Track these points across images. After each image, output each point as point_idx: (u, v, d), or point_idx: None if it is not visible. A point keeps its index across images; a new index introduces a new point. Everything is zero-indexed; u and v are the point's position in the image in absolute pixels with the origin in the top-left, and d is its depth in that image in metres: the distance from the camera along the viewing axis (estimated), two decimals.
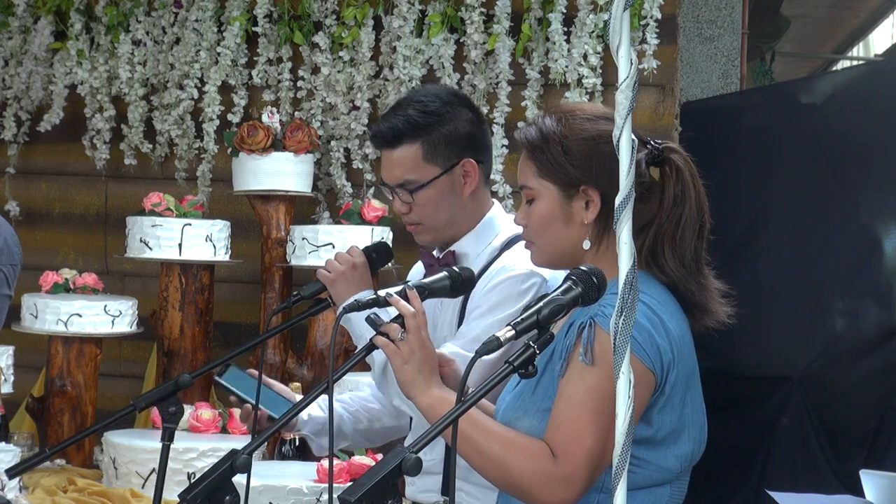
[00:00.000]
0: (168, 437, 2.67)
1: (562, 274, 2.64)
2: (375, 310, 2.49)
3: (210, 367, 2.92)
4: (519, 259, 2.91)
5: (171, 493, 4.07)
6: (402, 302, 2.43)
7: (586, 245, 2.46)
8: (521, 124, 3.99)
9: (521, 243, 2.92)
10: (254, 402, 2.82)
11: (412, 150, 3.06)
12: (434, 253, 3.13)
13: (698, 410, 2.45)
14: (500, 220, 3.11)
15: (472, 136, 3.07)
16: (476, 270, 2.95)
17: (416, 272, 3.30)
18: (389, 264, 3.19)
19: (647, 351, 2.32)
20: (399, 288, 2.53)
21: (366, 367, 3.22)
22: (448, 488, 3.01)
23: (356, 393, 3.36)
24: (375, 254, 3.06)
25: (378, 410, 3.29)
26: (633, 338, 2.19)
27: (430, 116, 3.06)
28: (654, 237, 2.41)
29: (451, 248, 3.08)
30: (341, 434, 3.21)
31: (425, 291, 2.51)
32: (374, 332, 2.45)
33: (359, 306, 2.43)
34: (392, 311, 2.48)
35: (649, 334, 2.32)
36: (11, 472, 2.81)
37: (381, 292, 2.62)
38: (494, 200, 3.17)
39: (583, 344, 2.31)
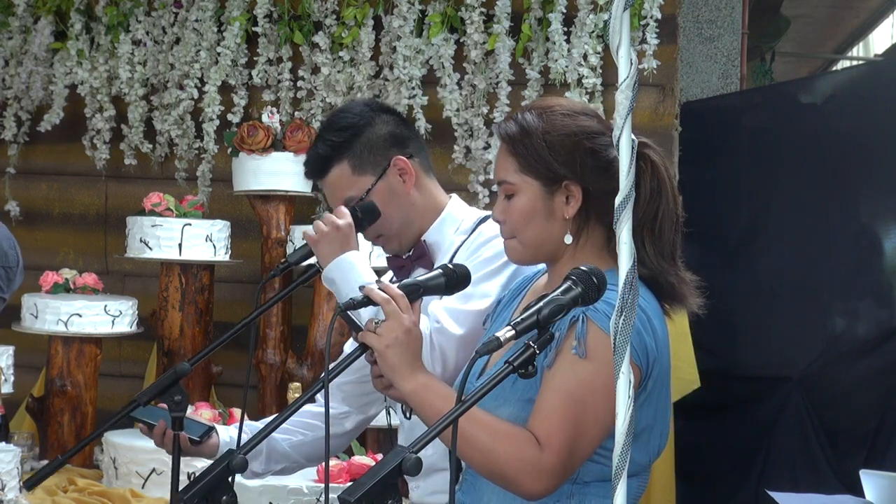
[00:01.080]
0: (178, 426, 2.65)
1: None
2: (372, 309, 2.49)
3: (207, 351, 2.86)
4: (497, 229, 2.90)
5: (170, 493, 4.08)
6: (375, 290, 2.42)
7: (568, 240, 2.48)
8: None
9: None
10: (158, 422, 2.80)
11: (341, 169, 3.05)
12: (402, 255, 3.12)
13: (667, 408, 2.49)
14: (461, 212, 3.09)
15: (394, 135, 3.06)
16: (452, 250, 2.96)
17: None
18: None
19: (635, 347, 2.33)
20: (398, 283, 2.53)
21: None
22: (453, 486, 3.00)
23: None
24: (361, 213, 3.04)
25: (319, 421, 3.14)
26: None
27: (346, 131, 3.05)
28: (633, 231, 2.42)
29: (422, 238, 3.06)
30: (275, 454, 3.08)
31: (420, 289, 2.51)
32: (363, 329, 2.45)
33: (354, 305, 2.43)
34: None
35: (637, 330, 2.34)
36: (30, 483, 2.78)
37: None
38: (453, 194, 3.15)
39: (576, 337, 2.33)
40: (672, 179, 2.51)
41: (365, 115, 3.08)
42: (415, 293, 2.48)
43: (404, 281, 2.52)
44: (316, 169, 3.09)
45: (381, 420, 4.28)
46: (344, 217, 2.96)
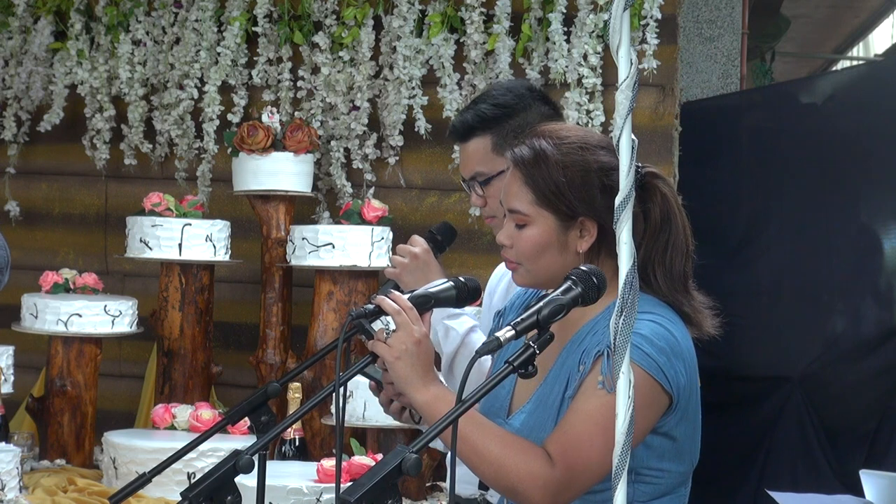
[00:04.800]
0: (263, 447, 2.57)
1: None
2: (384, 319, 2.48)
3: (295, 372, 2.84)
4: None
5: (172, 492, 4.08)
6: (387, 301, 2.42)
7: None
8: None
9: None
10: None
11: (482, 142, 3.09)
12: None
13: (698, 412, 2.49)
14: None
15: None
16: None
17: (496, 279, 3.30)
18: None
19: (666, 375, 2.33)
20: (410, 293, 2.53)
21: None
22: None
23: None
24: (440, 236, 3.06)
25: None
26: (655, 362, 2.25)
27: (500, 109, 3.08)
28: (644, 261, 2.41)
29: None
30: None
31: (431, 300, 2.51)
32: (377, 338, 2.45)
33: (366, 314, 2.43)
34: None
35: (668, 357, 2.34)
36: (114, 499, 2.72)
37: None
38: None
39: (602, 372, 2.31)
40: (681, 209, 2.49)
41: (524, 99, 3.10)
42: (426, 304, 2.49)
43: (415, 292, 2.52)
44: (459, 133, 3.12)
45: (385, 420, 4.30)
46: (418, 244, 2.98)
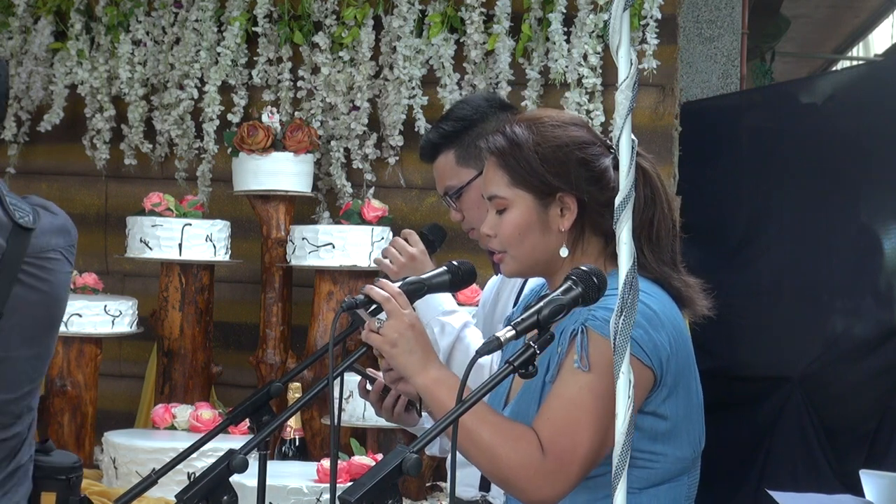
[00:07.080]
0: (263, 447, 2.54)
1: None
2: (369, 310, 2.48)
3: (295, 372, 2.84)
4: None
5: (172, 493, 4.08)
6: (375, 289, 2.42)
7: (563, 252, 2.45)
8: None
9: None
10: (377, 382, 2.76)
11: (447, 158, 3.18)
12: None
13: (699, 394, 2.46)
14: None
15: None
16: None
17: (493, 286, 3.31)
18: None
19: (643, 348, 2.31)
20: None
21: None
22: (487, 484, 3.03)
23: None
24: (431, 236, 3.11)
25: None
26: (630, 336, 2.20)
27: (458, 122, 3.17)
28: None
29: None
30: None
31: (424, 287, 2.51)
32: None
33: (356, 304, 2.43)
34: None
35: (645, 330, 2.32)
36: (121, 500, 2.73)
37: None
38: None
39: (577, 350, 2.30)
40: (665, 185, 2.50)
41: (482, 110, 3.18)
42: (419, 291, 2.49)
43: (409, 279, 2.52)
44: (427, 153, 3.23)
45: (380, 420, 4.30)
46: (416, 245, 3.02)
